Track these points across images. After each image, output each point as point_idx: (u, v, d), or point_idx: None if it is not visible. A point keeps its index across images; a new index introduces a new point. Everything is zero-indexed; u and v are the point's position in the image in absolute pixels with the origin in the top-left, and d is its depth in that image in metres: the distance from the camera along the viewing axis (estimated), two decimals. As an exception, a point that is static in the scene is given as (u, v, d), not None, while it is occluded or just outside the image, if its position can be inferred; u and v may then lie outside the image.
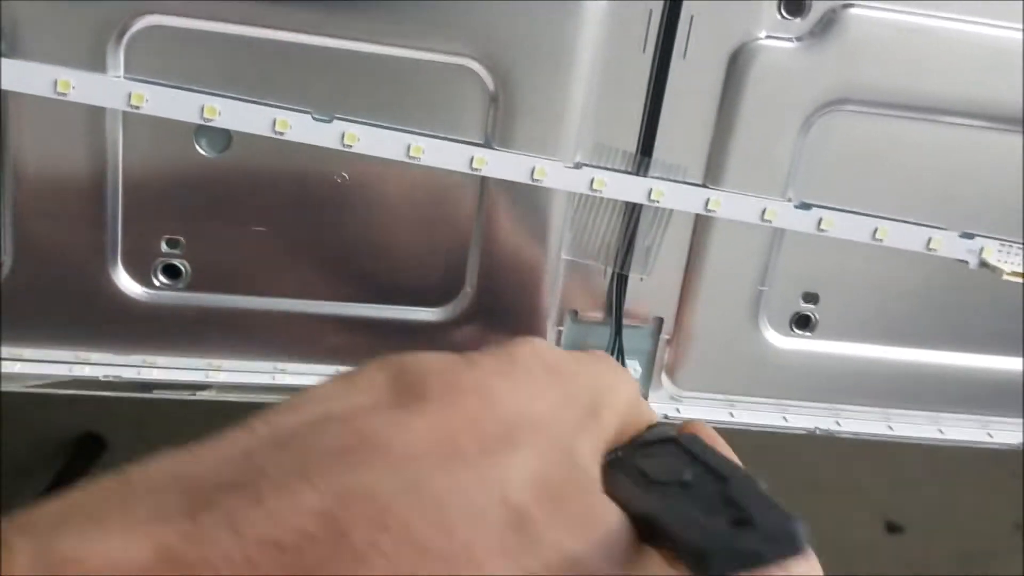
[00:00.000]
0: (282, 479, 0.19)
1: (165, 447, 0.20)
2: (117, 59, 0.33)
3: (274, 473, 0.19)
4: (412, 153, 0.35)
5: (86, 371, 0.36)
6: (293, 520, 0.18)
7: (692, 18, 0.35)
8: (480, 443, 0.21)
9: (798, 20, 0.36)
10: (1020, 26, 0.37)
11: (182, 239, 0.36)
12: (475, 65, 0.35)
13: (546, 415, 0.23)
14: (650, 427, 0.26)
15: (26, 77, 0.32)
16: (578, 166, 0.37)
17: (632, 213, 0.39)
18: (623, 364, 0.41)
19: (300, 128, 0.34)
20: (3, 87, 0.32)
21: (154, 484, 0.20)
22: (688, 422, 0.30)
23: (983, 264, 0.41)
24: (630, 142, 0.37)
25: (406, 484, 0.20)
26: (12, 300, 0.35)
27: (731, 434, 0.26)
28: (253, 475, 0.19)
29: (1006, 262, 0.41)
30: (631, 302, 0.40)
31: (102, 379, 0.36)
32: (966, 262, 0.41)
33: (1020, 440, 0.45)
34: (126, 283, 0.36)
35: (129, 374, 0.36)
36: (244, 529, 0.18)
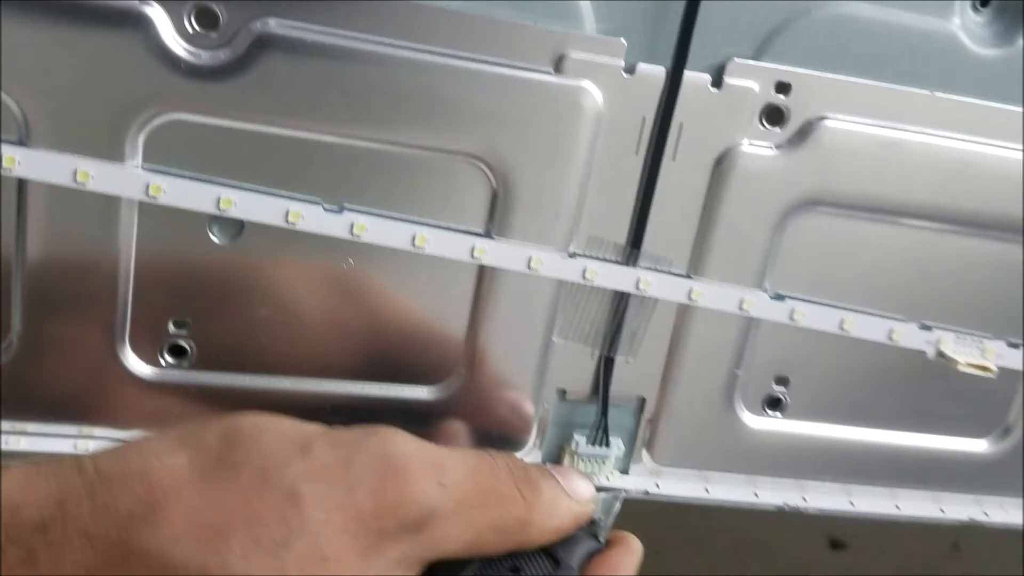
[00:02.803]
0: (76, 532, 0.23)
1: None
2: (135, 148, 0.34)
3: (73, 524, 0.23)
4: (417, 243, 0.37)
5: (90, 446, 0.37)
6: (70, 571, 0.23)
7: (681, 125, 0.38)
8: (252, 537, 0.24)
9: (777, 130, 0.39)
10: (978, 139, 0.40)
11: (189, 320, 0.37)
12: (479, 163, 0.37)
13: (335, 532, 0.25)
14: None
15: (46, 167, 0.33)
16: (572, 256, 0.39)
17: (621, 300, 0.41)
18: (607, 442, 0.42)
19: (312, 218, 0.36)
20: (23, 176, 0.33)
21: None
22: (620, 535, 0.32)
23: (940, 355, 0.44)
24: (621, 235, 0.40)
25: (164, 557, 0.23)
26: (18, 376, 0.36)
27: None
28: (59, 523, 0.23)
29: (961, 353, 0.44)
30: (616, 382, 0.42)
31: (104, 456, 0.37)
32: (925, 353, 0.44)
33: (968, 516, 0.48)
34: (133, 362, 0.37)
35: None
36: (39, 569, 0.22)
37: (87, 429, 0.37)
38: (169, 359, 0.37)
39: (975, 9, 0.40)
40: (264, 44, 0.33)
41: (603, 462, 0.43)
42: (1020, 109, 0.40)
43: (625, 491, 0.43)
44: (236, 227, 0.36)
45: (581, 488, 0.33)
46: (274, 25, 0.33)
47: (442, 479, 0.28)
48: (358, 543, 0.26)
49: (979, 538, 0.56)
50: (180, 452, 0.26)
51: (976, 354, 0.44)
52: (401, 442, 0.28)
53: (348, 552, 0.25)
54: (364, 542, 0.26)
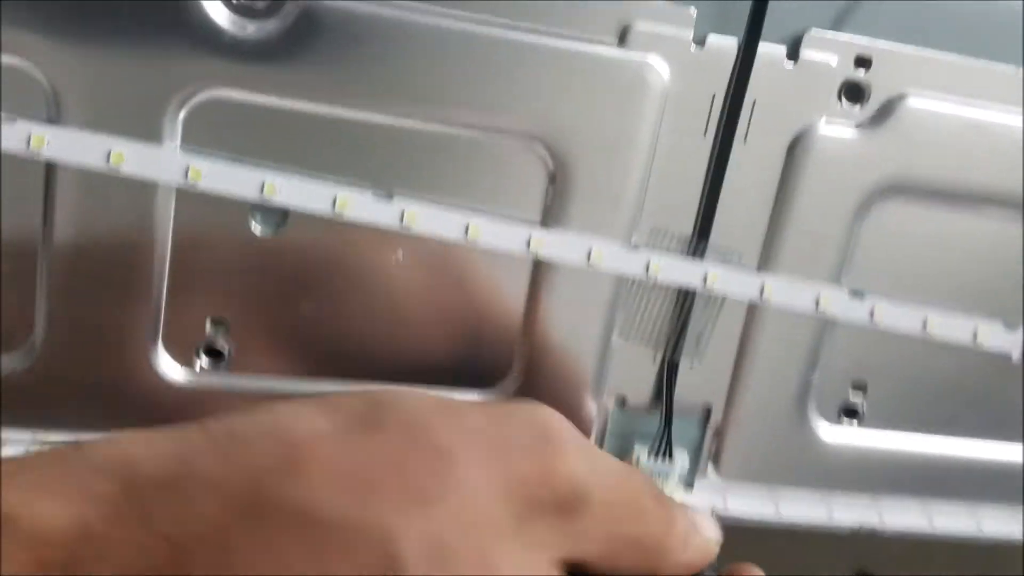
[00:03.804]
0: (202, 487, 0.21)
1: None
2: (175, 128, 0.32)
3: (200, 478, 0.21)
4: (470, 235, 0.34)
5: (117, 458, 0.34)
6: (193, 527, 0.20)
7: (754, 103, 0.35)
8: (401, 490, 0.22)
9: (857, 108, 0.36)
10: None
11: (228, 319, 0.34)
12: (536, 143, 0.34)
13: (488, 494, 0.23)
14: None
15: (77, 147, 0.31)
16: (635, 248, 0.36)
17: (686, 298, 0.38)
18: (671, 455, 0.39)
19: (360, 206, 0.33)
20: (53, 157, 0.31)
21: (98, 463, 0.22)
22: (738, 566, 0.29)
23: (1026, 356, 0.41)
24: (686, 225, 0.37)
25: (306, 507, 0.21)
26: (41, 381, 0.33)
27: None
28: (182, 479, 0.21)
29: (1051, 354, 0.41)
30: (679, 389, 0.39)
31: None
32: (1010, 354, 0.41)
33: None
34: (166, 365, 0.34)
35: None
36: (155, 526, 0.20)
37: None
38: (206, 362, 0.34)
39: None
40: (314, 15, 0.31)
41: (666, 477, 0.40)
42: (1112, 87, 0.37)
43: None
44: (279, 216, 0.33)
45: (708, 528, 0.30)
46: (322, -5, 0.31)
47: (595, 466, 0.26)
48: (510, 509, 0.23)
49: (1013, 567, 0.52)
50: (318, 415, 0.24)
51: (1066, 356, 0.41)
52: (555, 418, 0.26)
53: (501, 516, 0.23)
54: (516, 509, 0.23)
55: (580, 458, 0.25)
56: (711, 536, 0.30)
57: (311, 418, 0.23)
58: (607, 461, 0.27)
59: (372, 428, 0.23)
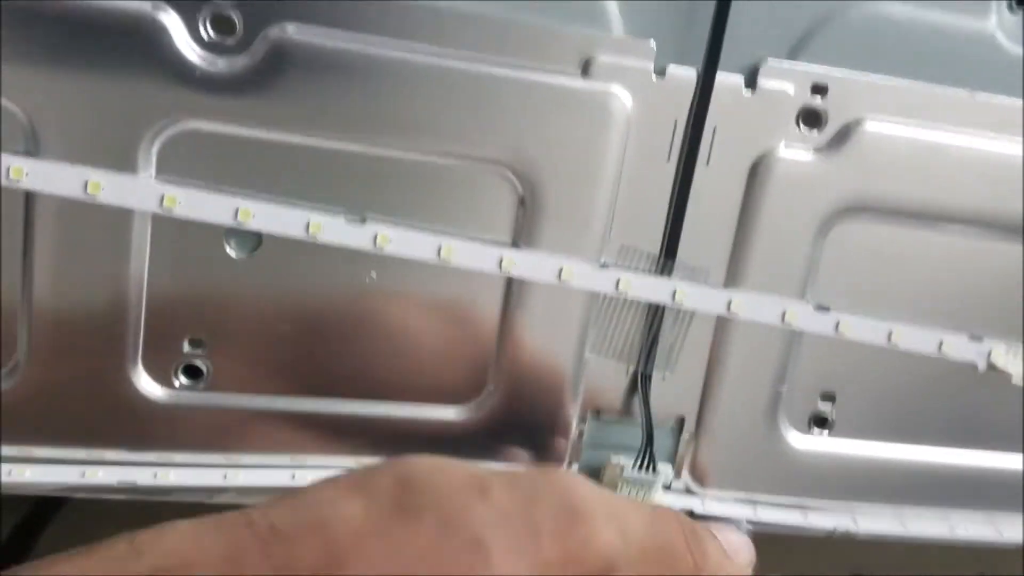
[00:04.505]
0: None
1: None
2: (149, 160, 0.33)
3: None
4: (443, 255, 0.36)
5: (99, 475, 0.35)
6: None
7: (715, 129, 0.36)
8: None
9: (815, 133, 0.37)
10: (1018, 140, 0.39)
11: (205, 339, 0.35)
12: (506, 170, 0.36)
13: None
14: None
15: (55, 178, 0.32)
16: (604, 267, 0.38)
17: (656, 313, 0.39)
18: (655, 468, 0.40)
19: (333, 230, 0.34)
20: (32, 188, 0.32)
21: (154, 564, 0.22)
22: None
23: (991, 367, 0.42)
24: (654, 244, 0.38)
25: None
26: (23, 399, 0.34)
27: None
28: None
29: (1014, 364, 0.42)
30: (653, 400, 0.40)
31: (117, 484, 0.35)
32: (975, 365, 0.42)
33: (1026, 538, 0.45)
34: (145, 383, 0.35)
35: (145, 479, 0.35)
36: None
37: (97, 453, 0.35)
38: (184, 380, 0.36)
39: (1011, 9, 0.38)
40: (282, 50, 0.32)
41: (650, 488, 0.41)
42: (1066, 108, 0.38)
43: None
44: (254, 240, 0.34)
45: (742, 550, 0.31)
46: (292, 31, 0.32)
47: (624, 529, 0.26)
48: None
49: (1008, 567, 0.53)
50: (355, 499, 0.24)
51: (1030, 366, 0.42)
52: (581, 486, 0.27)
53: None
54: None
55: (610, 528, 0.26)
56: (745, 560, 0.31)
57: (347, 506, 0.24)
58: (636, 517, 0.28)
59: (407, 516, 0.24)
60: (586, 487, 0.27)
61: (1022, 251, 0.41)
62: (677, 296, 0.38)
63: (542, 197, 0.36)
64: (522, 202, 0.36)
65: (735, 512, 0.42)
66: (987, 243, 0.40)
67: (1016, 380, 0.41)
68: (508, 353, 0.38)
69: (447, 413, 0.38)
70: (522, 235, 0.37)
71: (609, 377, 0.40)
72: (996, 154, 0.39)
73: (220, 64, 0.32)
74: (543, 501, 0.26)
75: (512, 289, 0.37)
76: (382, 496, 0.24)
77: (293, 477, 0.37)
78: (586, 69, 0.35)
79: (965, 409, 0.43)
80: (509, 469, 0.27)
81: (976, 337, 0.41)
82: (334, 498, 0.25)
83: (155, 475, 0.36)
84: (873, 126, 0.37)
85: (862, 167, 0.37)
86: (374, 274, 0.36)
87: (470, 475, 0.26)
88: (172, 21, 0.32)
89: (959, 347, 0.41)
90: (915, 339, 0.40)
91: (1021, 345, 0.42)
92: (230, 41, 0.32)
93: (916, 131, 0.38)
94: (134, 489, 0.35)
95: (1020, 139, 0.39)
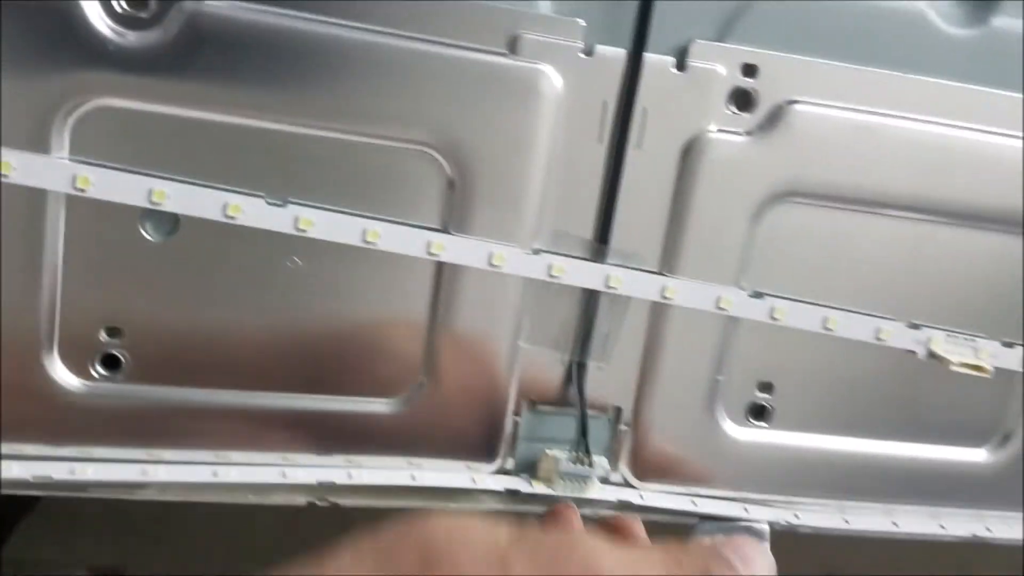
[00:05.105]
0: None
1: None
2: (62, 139, 0.32)
3: None
4: (368, 238, 0.35)
5: (14, 470, 0.34)
6: None
7: (645, 110, 0.36)
8: None
9: (747, 115, 0.37)
10: (956, 122, 0.39)
11: (123, 328, 0.34)
12: (433, 151, 0.35)
13: None
14: None
15: (-36, 157, 0.31)
16: (536, 252, 0.37)
17: (590, 300, 0.38)
18: (590, 461, 0.40)
19: (252, 212, 0.33)
20: (-61, 167, 0.31)
21: None
22: None
23: (931, 355, 0.41)
24: (587, 229, 0.38)
25: None
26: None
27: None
28: None
29: (954, 352, 0.41)
30: (589, 390, 0.40)
31: (32, 480, 0.34)
32: (915, 352, 0.41)
33: (971, 532, 0.45)
34: (62, 374, 0.34)
35: (61, 474, 0.34)
36: None
37: (14, 447, 0.34)
38: (102, 371, 0.34)
39: (946, -11, 0.39)
40: (198, 24, 0.32)
41: (585, 481, 0.40)
42: (996, 91, 0.39)
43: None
44: (171, 222, 0.33)
45: (756, 560, 0.30)
46: (208, 4, 0.32)
47: None
48: None
49: (983, 567, 0.52)
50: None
51: (969, 354, 0.42)
52: (603, 555, 0.27)
53: None
54: None
55: None
56: (761, 570, 0.30)
57: None
58: (650, 569, 0.28)
59: None
60: (608, 556, 0.27)
61: (964, 237, 0.40)
62: (611, 282, 0.38)
63: (472, 180, 0.35)
64: (451, 185, 0.36)
65: (675, 504, 0.41)
66: (923, 228, 0.40)
67: (955, 367, 0.41)
68: (439, 344, 0.37)
69: (377, 406, 0.37)
70: (452, 220, 0.36)
71: (544, 367, 0.39)
72: (933, 136, 0.39)
73: (133, 38, 0.31)
74: (564, 570, 0.26)
75: (443, 276, 0.37)
76: (404, 570, 0.25)
77: (215, 474, 0.35)
78: (513, 47, 0.34)
79: (905, 401, 0.43)
80: (529, 534, 0.27)
81: (915, 325, 0.41)
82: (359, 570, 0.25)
83: (72, 470, 0.34)
84: (804, 107, 0.37)
85: (794, 149, 0.37)
86: (298, 260, 0.35)
87: (491, 546, 0.26)
88: (84, -5, 0.31)
89: (897, 335, 0.41)
90: (852, 326, 0.40)
91: (963, 334, 0.42)
92: (144, 14, 0.31)
93: (849, 113, 0.38)
94: (50, 484, 0.34)
95: (956, 121, 0.39)
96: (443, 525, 0.26)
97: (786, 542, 0.42)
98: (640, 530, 0.32)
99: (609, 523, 0.33)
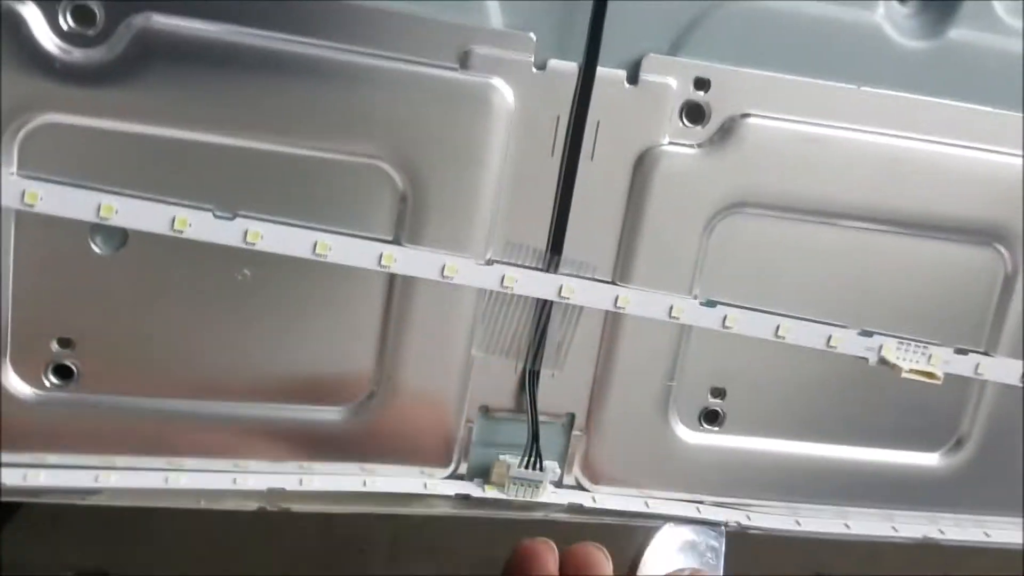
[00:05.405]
0: None
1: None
2: (11, 155, 0.32)
3: None
4: (318, 251, 0.35)
5: (-35, 478, 0.34)
6: None
7: (598, 124, 0.36)
8: None
9: (699, 128, 0.37)
10: (909, 134, 0.39)
11: (74, 339, 0.34)
12: (385, 165, 0.35)
13: None
14: None
15: (-89, 172, 0.31)
16: (489, 263, 0.37)
17: (543, 309, 0.39)
18: (541, 465, 0.40)
19: (201, 226, 0.33)
20: None
21: None
22: None
23: (882, 361, 0.42)
24: (540, 240, 0.38)
25: None
26: None
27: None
28: None
29: (905, 359, 0.42)
30: (543, 398, 0.40)
31: (-18, 486, 0.34)
32: (866, 359, 0.42)
33: (923, 534, 0.46)
34: (14, 383, 0.34)
35: (14, 480, 0.35)
36: None
37: (-35, 457, 0.34)
38: (54, 380, 0.35)
39: (901, 0, 0.39)
40: (145, 40, 0.32)
41: (537, 486, 0.41)
42: (950, 103, 0.39)
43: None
44: (119, 237, 0.34)
45: None
46: (155, 21, 0.32)
47: None
48: None
49: (971, 568, 0.53)
50: None
51: (921, 360, 0.42)
52: None
53: None
54: None
55: None
56: None
57: None
58: None
59: None
60: None
61: (915, 246, 0.41)
62: (564, 291, 0.38)
63: (424, 193, 0.36)
64: (403, 198, 0.36)
65: (628, 506, 0.42)
66: (875, 238, 0.40)
67: (906, 374, 0.42)
68: (392, 352, 0.38)
69: (329, 415, 0.38)
70: (404, 232, 0.36)
71: (498, 375, 0.39)
72: (885, 147, 0.39)
73: (80, 55, 0.31)
74: None
75: (395, 288, 0.37)
76: None
77: (167, 480, 0.36)
78: (464, 61, 0.34)
79: (858, 406, 0.44)
80: None
81: (866, 332, 0.42)
82: None
83: (24, 476, 0.35)
84: (757, 121, 0.37)
85: (746, 161, 0.38)
86: (247, 271, 0.35)
87: None
88: (30, 12, 0.31)
89: (848, 342, 0.42)
90: (803, 333, 0.41)
91: (913, 341, 0.42)
92: (91, 31, 0.31)
93: (802, 126, 0.38)
94: (2, 490, 0.35)
95: (909, 133, 0.39)
96: None
97: (775, 543, 0.43)
98: (604, 566, 0.32)
99: (573, 557, 0.33)
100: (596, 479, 0.42)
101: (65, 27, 0.31)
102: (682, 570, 0.32)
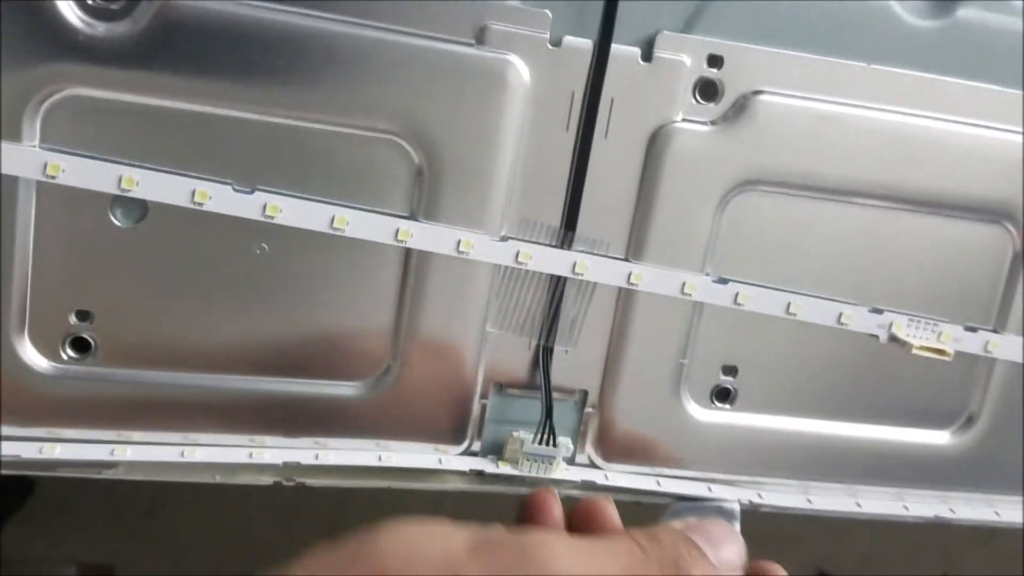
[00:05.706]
0: None
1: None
2: (33, 128, 0.32)
3: None
4: (336, 225, 0.35)
5: (-16, 449, 0.34)
6: None
7: (612, 100, 0.36)
8: None
9: (712, 105, 0.37)
10: (919, 112, 0.39)
11: (93, 312, 0.35)
12: (401, 140, 0.35)
13: None
14: None
15: (-66, 143, 0.31)
16: (504, 239, 0.38)
17: (557, 286, 0.39)
18: (554, 442, 0.40)
19: (220, 199, 0.34)
20: (-92, 153, 0.31)
21: None
22: None
23: (893, 338, 0.42)
24: (555, 217, 0.38)
25: None
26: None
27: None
28: None
29: (915, 336, 0.42)
30: (556, 374, 0.40)
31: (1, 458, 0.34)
32: (877, 336, 0.42)
33: (934, 513, 0.46)
34: (32, 356, 0.35)
35: (30, 453, 0.35)
36: None
37: (-17, 428, 0.35)
38: (72, 353, 0.35)
39: (910, -21, 0.39)
40: (167, 15, 0.32)
41: (550, 462, 0.41)
42: (960, 81, 0.39)
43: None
44: (140, 209, 0.34)
45: (730, 557, 0.31)
46: (177, -5, 0.32)
47: None
48: None
49: (970, 567, 0.53)
50: None
51: (931, 338, 0.43)
52: (561, 557, 0.26)
53: None
54: None
55: None
56: (734, 565, 0.30)
57: None
58: (612, 566, 0.28)
59: None
60: (566, 557, 0.27)
61: (923, 223, 0.41)
62: (577, 268, 0.38)
63: (440, 168, 0.36)
64: (420, 173, 0.36)
65: (640, 484, 0.42)
66: (885, 215, 0.41)
67: (916, 351, 0.42)
68: (408, 327, 0.38)
69: (345, 390, 0.38)
70: (420, 207, 0.36)
71: (512, 351, 0.40)
72: (896, 125, 0.39)
73: (103, 29, 0.32)
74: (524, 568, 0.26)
75: (411, 262, 0.37)
76: None
77: (182, 454, 0.36)
78: (480, 37, 0.35)
79: (869, 384, 0.44)
80: (489, 540, 0.26)
81: (877, 309, 0.42)
82: None
83: (40, 450, 0.35)
84: (770, 98, 0.38)
85: (759, 139, 0.38)
86: (265, 246, 0.35)
87: (447, 561, 0.25)
88: (53, -15, 0.31)
89: (859, 319, 0.42)
90: (814, 310, 0.41)
91: (924, 318, 0.43)
92: (114, 5, 0.32)
93: (814, 103, 0.38)
94: (19, 464, 0.35)
95: (919, 111, 0.39)
96: (397, 540, 0.26)
97: (777, 540, 0.43)
98: (611, 515, 0.32)
99: (580, 509, 0.34)
100: (608, 456, 0.42)
101: (90, 1, 0.31)
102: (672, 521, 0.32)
